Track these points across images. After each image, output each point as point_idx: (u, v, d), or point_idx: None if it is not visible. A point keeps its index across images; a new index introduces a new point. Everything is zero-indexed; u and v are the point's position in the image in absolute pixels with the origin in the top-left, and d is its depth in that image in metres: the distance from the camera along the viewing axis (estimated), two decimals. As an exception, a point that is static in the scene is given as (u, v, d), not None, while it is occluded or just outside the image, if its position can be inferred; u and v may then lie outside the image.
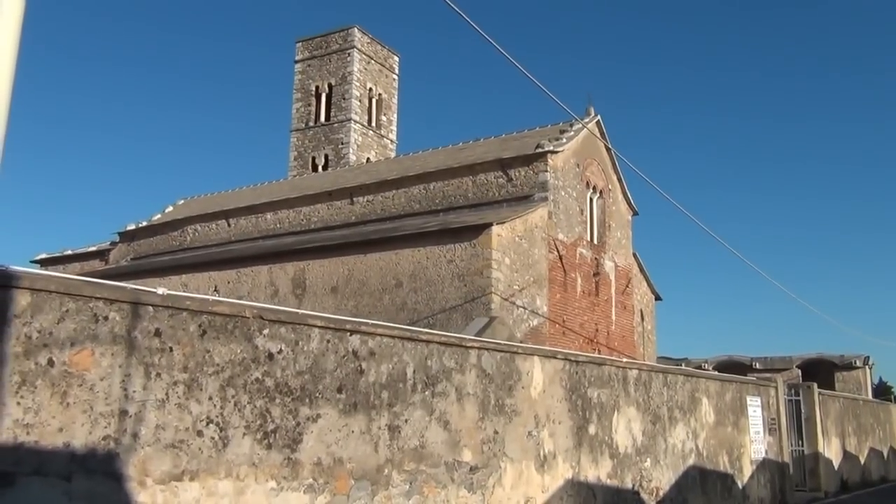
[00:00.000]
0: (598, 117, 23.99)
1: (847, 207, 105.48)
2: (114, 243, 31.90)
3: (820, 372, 30.33)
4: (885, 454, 25.09)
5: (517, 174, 21.75)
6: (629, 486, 10.15)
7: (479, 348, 7.73)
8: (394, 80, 41.00)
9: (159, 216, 32.25)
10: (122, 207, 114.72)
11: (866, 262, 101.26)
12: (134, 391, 4.63)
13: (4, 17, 2.52)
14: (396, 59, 41.36)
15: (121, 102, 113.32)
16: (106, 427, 4.46)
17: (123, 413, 4.55)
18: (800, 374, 30.82)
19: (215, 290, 22.64)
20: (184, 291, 12.49)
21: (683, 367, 19.26)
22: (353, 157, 36.83)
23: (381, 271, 20.00)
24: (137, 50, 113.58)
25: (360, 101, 38.19)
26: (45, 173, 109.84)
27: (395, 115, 40.84)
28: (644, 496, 10.47)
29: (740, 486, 13.65)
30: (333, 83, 38.44)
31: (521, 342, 14.12)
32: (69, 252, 32.98)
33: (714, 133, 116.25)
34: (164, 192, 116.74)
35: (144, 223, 31.58)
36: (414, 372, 6.80)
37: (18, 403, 4.09)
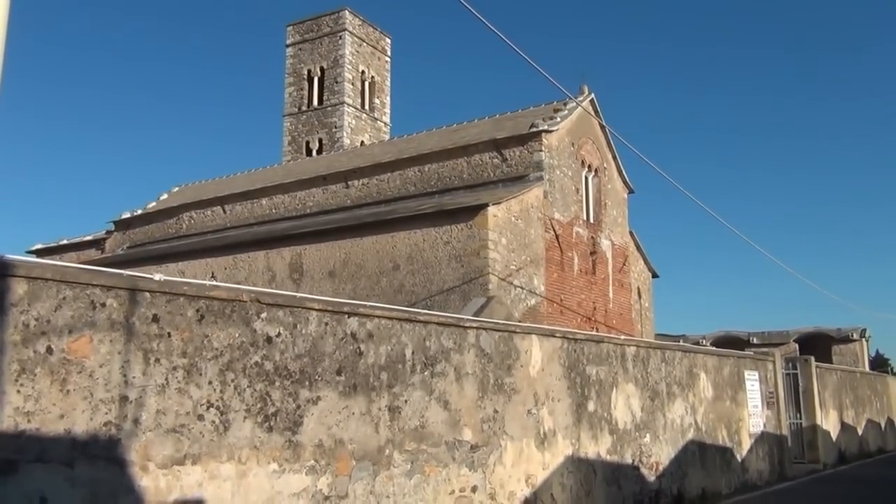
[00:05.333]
0: (592, 95, 23.89)
1: (843, 181, 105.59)
2: (109, 232, 31.80)
3: (817, 345, 30.48)
4: (883, 425, 25.30)
5: (512, 154, 21.69)
6: (629, 461, 10.22)
7: (477, 328, 7.76)
8: (386, 62, 40.76)
9: (154, 204, 32.14)
10: (117, 196, 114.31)
11: (862, 236, 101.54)
12: (133, 377, 4.64)
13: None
14: (388, 40, 41.10)
15: (112, 91, 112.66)
16: (107, 413, 4.48)
17: (124, 399, 4.57)
18: (797, 347, 30.96)
19: (212, 277, 22.62)
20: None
21: (681, 343, 19.34)
22: (346, 141, 36.70)
23: (377, 254, 20.00)
24: (127, 38, 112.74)
25: (352, 84, 37.99)
26: (40, 164, 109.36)
27: (388, 98, 40.65)
28: (644, 471, 10.55)
29: (739, 459, 13.76)
30: (325, 66, 38.21)
31: (519, 322, 14.16)
32: (65, 241, 32.87)
33: (708, 110, 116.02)
34: (159, 179, 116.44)
35: (139, 211, 31.48)
36: (413, 353, 6.82)
37: (18, 391, 4.10)
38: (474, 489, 7.33)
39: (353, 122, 37.68)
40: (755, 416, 14.66)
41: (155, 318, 4.80)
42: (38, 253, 32.35)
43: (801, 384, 17.46)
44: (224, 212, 28.38)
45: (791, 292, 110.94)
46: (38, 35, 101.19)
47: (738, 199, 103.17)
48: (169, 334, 4.87)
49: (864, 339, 32.40)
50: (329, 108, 37.61)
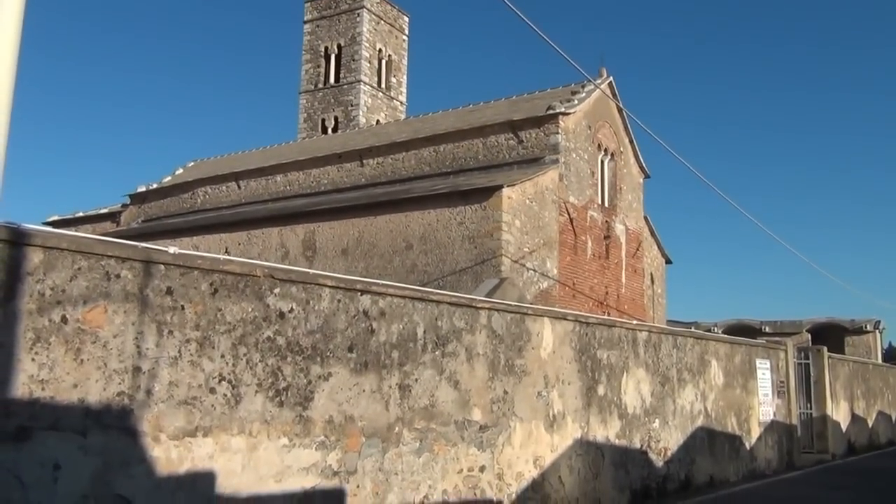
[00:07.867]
0: (611, 78, 23.68)
1: (858, 174, 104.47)
2: (125, 205, 31.99)
3: (830, 336, 30.33)
4: (893, 417, 25.16)
5: (528, 136, 21.57)
6: (637, 445, 10.23)
7: (489, 309, 7.75)
8: (403, 40, 40.51)
9: (170, 178, 32.26)
10: (133, 170, 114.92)
11: (878, 227, 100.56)
12: (147, 348, 4.67)
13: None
14: (406, 19, 40.82)
15: (129, 67, 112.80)
16: (120, 383, 4.51)
17: (137, 370, 4.60)
18: (809, 338, 30.81)
19: (226, 252, 22.71)
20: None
21: (693, 330, 19.27)
22: (362, 119, 36.60)
23: (391, 233, 20.01)
24: (145, 11, 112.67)
25: (369, 62, 37.81)
26: (57, 137, 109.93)
27: (405, 77, 40.44)
28: (652, 456, 10.56)
29: (748, 447, 13.74)
30: (343, 44, 38.04)
31: (531, 304, 14.14)
32: (81, 214, 33.12)
33: (727, 100, 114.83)
34: (175, 154, 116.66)
35: (155, 185, 31.61)
36: (424, 332, 6.83)
37: (33, 360, 4.14)
38: (482, 469, 7.36)
39: (369, 100, 37.56)
40: (765, 405, 14.61)
41: (169, 291, 4.82)
42: (55, 224, 32.56)
43: (812, 374, 17.37)
44: (239, 187, 28.45)
45: (805, 282, 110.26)
46: (57, 12, 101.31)
47: (753, 191, 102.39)
48: (182, 307, 4.89)
49: (877, 331, 32.21)
50: (345, 86, 37.49)
